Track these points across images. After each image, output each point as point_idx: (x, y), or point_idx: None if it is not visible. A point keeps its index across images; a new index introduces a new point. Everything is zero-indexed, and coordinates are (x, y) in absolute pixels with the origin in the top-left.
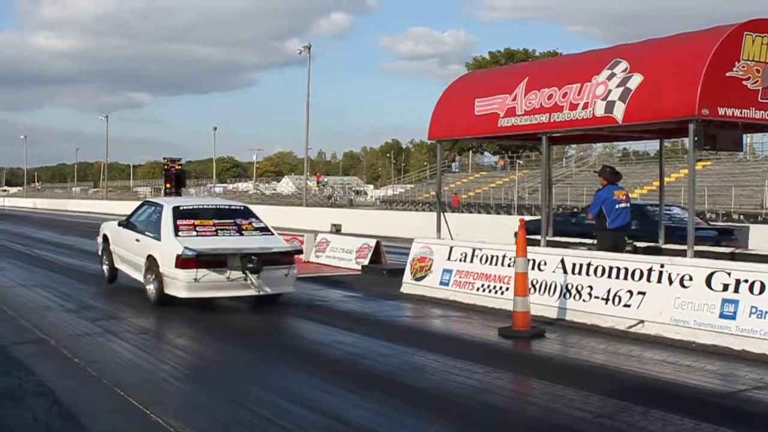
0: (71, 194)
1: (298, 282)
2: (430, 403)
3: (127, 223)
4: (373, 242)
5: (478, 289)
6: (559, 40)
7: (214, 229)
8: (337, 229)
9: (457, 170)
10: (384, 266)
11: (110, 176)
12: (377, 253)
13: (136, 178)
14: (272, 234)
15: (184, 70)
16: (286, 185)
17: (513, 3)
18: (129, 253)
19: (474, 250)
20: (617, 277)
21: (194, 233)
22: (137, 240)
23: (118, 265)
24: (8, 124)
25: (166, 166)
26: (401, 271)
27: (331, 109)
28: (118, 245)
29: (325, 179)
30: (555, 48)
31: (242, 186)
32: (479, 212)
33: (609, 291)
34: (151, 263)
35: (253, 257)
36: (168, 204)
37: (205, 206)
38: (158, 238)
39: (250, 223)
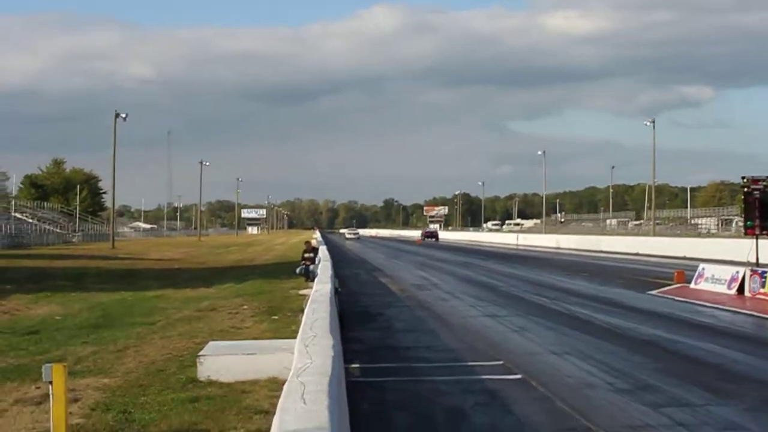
0: (604, 228)
1: None
2: None
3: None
4: None
5: None
6: None
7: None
8: None
9: None
10: None
11: (658, 203)
12: None
13: (695, 206)
14: (358, 231)
15: (763, 49)
16: None
17: None
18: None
19: None
20: None
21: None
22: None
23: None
24: (520, 137)
25: (744, 188)
26: None
27: None
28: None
29: None
30: None
31: None
32: None
33: None
34: (343, 238)
35: (355, 234)
36: (345, 229)
37: (348, 230)
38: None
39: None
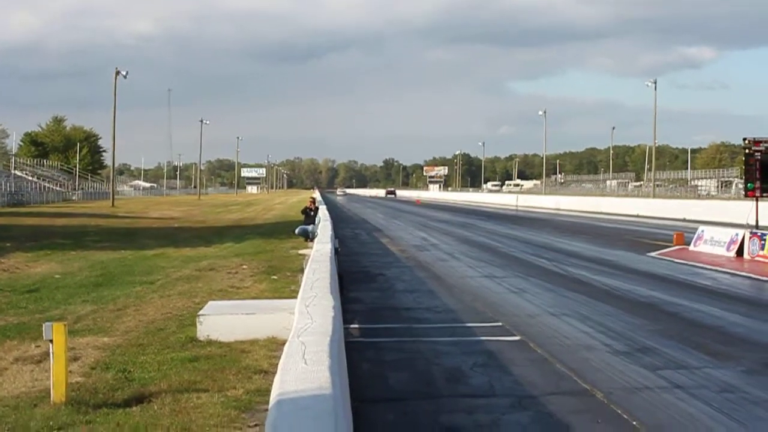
0: (604, 190)
1: None
2: None
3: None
4: None
5: None
6: None
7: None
8: None
9: None
10: None
11: (658, 164)
12: None
13: (695, 167)
14: (345, 191)
15: (765, 8)
16: None
17: None
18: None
19: None
20: None
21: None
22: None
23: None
24: (520, 97)
25: (745, 150)
26: None
27: None
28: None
29: None
30: None
31: None
32: None
33: None
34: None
35: (343, 193)
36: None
37: (339, 189)
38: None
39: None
